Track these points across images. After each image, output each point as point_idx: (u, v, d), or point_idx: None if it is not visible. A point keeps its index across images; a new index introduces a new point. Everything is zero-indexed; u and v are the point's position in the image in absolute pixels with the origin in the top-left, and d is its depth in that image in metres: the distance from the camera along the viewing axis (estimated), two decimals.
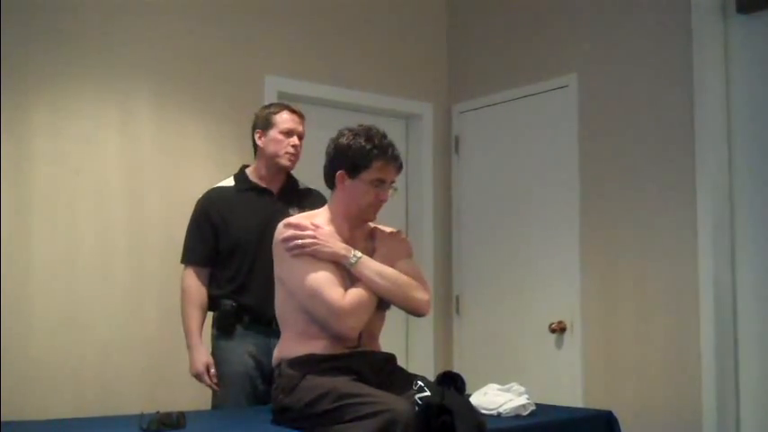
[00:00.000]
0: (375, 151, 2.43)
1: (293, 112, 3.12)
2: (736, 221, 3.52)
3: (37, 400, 3.30)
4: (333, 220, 2.51)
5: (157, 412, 2.34)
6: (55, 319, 3.45)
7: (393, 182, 2.52)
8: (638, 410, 3.59)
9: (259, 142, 3.11)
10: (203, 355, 3.01)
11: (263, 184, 3.12)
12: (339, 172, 2.47)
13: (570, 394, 3.86)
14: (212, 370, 2.99)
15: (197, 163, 3.85)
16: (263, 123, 3.11)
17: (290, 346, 2.44)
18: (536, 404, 2.70)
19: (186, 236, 3.13)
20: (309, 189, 3.21)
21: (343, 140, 2.47)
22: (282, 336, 2.52)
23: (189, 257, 3.11)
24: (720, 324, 3.45)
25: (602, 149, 3.95)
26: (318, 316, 2.37)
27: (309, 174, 3.05)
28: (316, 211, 2.58)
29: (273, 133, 3.07)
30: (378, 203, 2.50)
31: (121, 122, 3.68)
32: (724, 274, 3.49)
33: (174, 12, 3.84)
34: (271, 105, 3.22)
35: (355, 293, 2.39)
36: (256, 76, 4.05)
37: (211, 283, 3.08)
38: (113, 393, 3.50)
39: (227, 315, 3.03)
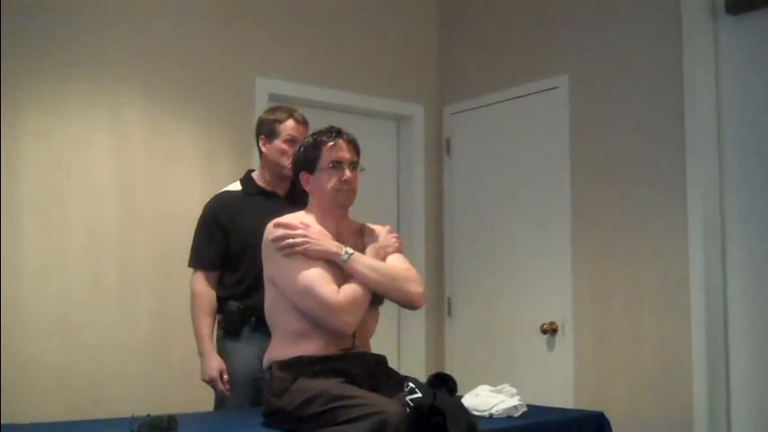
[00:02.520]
0: (320, 138, 2.51)
1: (298, 121, 3.09)
2: (727, 222, 3.53)
3: (28, 403, 3.29)
4: (316, 222, 2.51)
5: (148, 415, 2.33)
6: (46, 321, 3.44)
7: (354, 162, 2.52)
8: (629, 411, 3.60)
9: (263, 149, 3.10)
10: (216, 361, 3.00)
11: (270, 189, 3.12)
12: (301, 175, 2.53)
13: (562, 395, 3.87)
14: (225, 376, 2.99)
15: (187, 164, 3.85)
16: (267, 131, 3.08)
17: (280, 349, 2.44)
18: (528, 405, 2.70)
19: (194, 240, 3.11)
20: None
21: (296, 150, 2.61)
22: (273, 338, 2.51)
23: (198, 262, 3.09)
24: (711, 324, 3.46)
25: (593, 150, 3.96)
26: (313, 313, 2.37)
27: None
28: (297, 213, 2.56)
29: (278, 143, 3.05)
30: (343, 185, 2.48)
31: (112, 124, 3.67)
32: (715, 275, 3.50)
33: (164, 14, 3.83)
34: (276, 111, 3.16)
35: (349, 289, 2.39)
36: (247, 78, 4.04)
37: (219, 285, 3.07)
38: (105, 396, 3.48)
39: (234, 316, 3.02)
